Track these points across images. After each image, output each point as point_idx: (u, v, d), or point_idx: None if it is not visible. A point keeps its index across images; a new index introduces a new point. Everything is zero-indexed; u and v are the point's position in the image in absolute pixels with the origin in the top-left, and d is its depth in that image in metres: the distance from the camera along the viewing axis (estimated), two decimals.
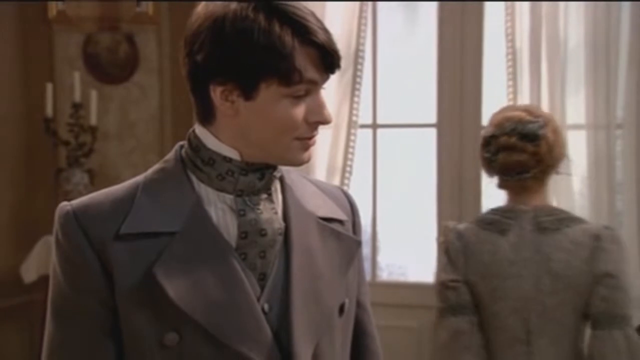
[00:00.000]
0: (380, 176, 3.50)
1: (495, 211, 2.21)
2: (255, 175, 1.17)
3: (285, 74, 1.10)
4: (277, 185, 1.22)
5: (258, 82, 1.11)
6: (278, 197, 1.21)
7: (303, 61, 1.11)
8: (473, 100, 3.36)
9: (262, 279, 1.16)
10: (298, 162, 1.18)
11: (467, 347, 2.10)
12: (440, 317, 2.21)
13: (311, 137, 1.17)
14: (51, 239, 3.47)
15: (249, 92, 1.11)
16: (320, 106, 1.15)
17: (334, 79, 3.37)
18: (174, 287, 1.08)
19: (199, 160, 1.16)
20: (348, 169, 3.30)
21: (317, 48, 1.11)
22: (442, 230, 3.33)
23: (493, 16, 3.29)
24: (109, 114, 3.65)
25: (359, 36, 3.25)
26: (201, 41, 1.11)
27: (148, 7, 3.57)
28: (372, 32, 3.41)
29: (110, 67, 3.65)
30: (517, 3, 3.11)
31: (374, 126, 3.48)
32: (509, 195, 2.20)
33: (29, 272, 3.44)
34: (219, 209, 1.16)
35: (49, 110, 3.46)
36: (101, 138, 3.57)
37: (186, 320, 1.09)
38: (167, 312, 1.09)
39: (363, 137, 3.40)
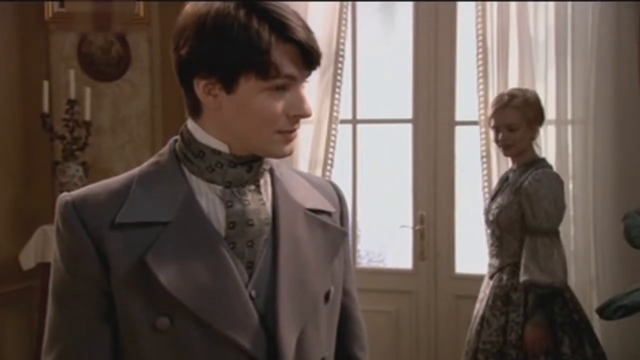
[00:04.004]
0: (359, 169, 3.60)
1: None
2: (244, 168, 1.18)
3: (262, 68, 1.11)
4: (267, 177, 1.23)
5: (237, 76, 1.12)
6: (268, 189, 1.23)
7: (280, 57, 1.12)
8: (447, 97, 3.50)
9: (250, 266, 1.17)
10: (280, 155, 1.18)
11: None
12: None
13: (292, 131, 1.17)
14: (48, 228, 3.57)
15: (229, 86, 1.13)
16: (300, 100, 1.15)
17: (315, 76, 3.54)
18: (165, 274, 1.10)
19: (190, 152, 1.18)
20: (329, 162, 3.42)
21: (295, 45, 1.12)
22: (418, 219, 3.53)
23: (465, 15, 3.41)
24: (102, 110, 3.71)
25: (339, 36, 3.37)
26: (185, 37, 1.13)
27: (139, 9, 3.64)
28: (352, 33, 3.53)
29: (104, 66, 3.71)
30: (488, 3, 3.24)
31: (354, 122, 3.59)
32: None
33: (28, 259, 3.49)
34: (210, 199, 1.17)
35: (46, 107, 3.51)
36: (95, 133, 3.62)
37: (177, 305, 1.10)
38: (158, 297, 1.10)
39: (343, 132, 3.50)
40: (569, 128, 3.21)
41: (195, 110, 1.19)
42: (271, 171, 1.25)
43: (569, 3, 3.19)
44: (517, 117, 2.68)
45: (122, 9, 3.67)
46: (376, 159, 3.73)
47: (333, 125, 3.41)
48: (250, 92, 1.14)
